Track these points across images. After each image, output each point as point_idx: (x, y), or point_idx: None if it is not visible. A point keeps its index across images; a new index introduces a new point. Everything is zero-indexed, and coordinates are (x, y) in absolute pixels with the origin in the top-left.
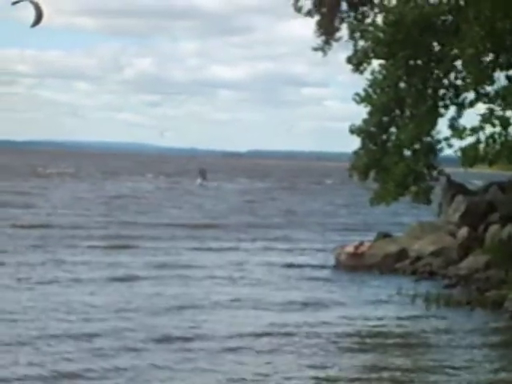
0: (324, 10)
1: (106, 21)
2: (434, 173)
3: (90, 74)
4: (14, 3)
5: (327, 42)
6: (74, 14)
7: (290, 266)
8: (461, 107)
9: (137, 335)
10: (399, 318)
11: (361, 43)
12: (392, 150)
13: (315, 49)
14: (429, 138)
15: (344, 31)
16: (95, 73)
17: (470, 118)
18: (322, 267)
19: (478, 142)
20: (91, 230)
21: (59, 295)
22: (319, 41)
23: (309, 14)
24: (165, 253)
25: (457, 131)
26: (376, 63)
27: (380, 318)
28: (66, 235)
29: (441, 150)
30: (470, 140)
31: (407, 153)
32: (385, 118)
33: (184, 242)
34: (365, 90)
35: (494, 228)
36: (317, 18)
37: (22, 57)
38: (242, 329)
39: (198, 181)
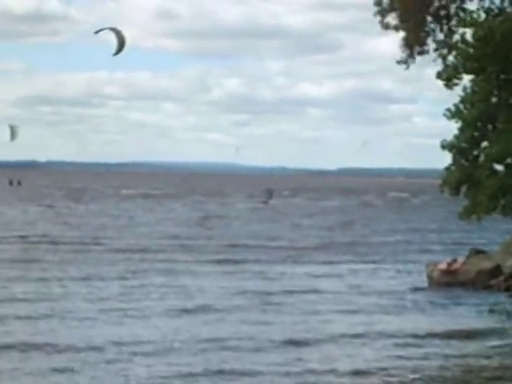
0: (410, 25)
1: (192, 42)
2: None
3: (177, 95)
4: (96, 32)
5: (411, 56)
6: (161, 36)
7: (388, 290)
8: None
9: (272, 370)
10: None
11: (450, 58)
12: (484, 164)
13: (398, 62)
14: None
15: (431, 46)
16: (182, 94)
17: None
18: (417, 289)
19: None
20: (190, 254)
21: (180, 326)
22: (404, 55)
23: (395, 29)
24: (271, 277)
25: None
26: (466, 78)
27: (493, 347)
28: (163, 259)
29: None
30: None
31: (499, 167)
32: (476, 133)
33: (288, 265)
34: (455, 106)
35: None
36: (403, 33)
37: (111, 79)
38: (365, 364)
39: (262, 199)
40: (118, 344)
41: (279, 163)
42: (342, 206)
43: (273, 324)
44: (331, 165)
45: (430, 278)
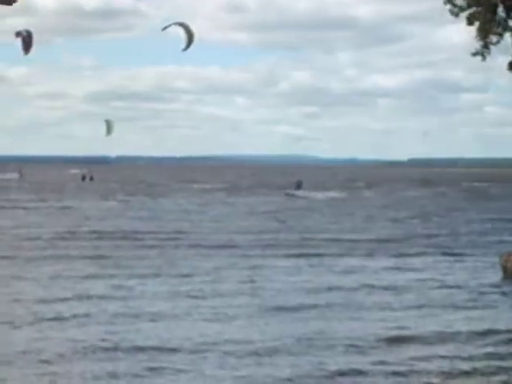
0: (481, 13)
1: (262, 35)
2: None
3: (248, 89)
4: (164, 28)
5: (486, 47)
6: (230, 29)
7: (464, 283)
8: None
9: (372, 369)
10: None
11: None
12: None
13: (474, 54)
14: None
15: (504, 35)
16: (252, 87)
17: None
18: (491, 282)
19: None
20: (264, 248)
21: (263, 324)
22: (478, 46)
23: (468, 20)
24: (347, 271)
25: None
26: None
27: None
28: (239, 254)
29: None
30: None
31: None
32: None
33: (363, 258)
34: None
35: None
36: (475, 22)
37: (181, 73)
38: (464, 364)
39: (288, 191)
40: (199, 344)
41: (350, 155)
42: (416, 197)
43: (359, 321)
44: (402, 155)
45: (504, 269)
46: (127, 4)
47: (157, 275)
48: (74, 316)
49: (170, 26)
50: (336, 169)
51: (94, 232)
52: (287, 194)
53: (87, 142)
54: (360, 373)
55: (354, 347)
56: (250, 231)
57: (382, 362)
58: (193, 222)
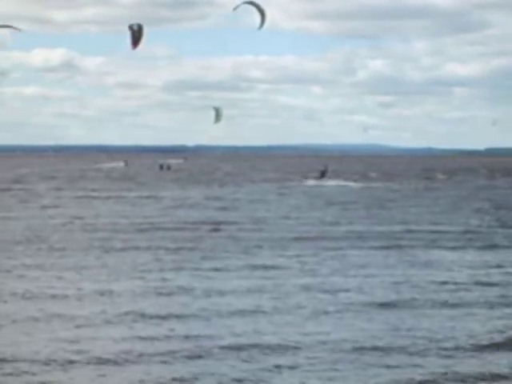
0: None
1: (337, 23)
2: None
3: (324, 78)
4: (235, 8)
5: None
6: (305, 18)
7: None
8: None
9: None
10: None
11: None
12: None
13: None
14: None
15: None
16: (328, 76)
17: None
18: None
19: None
20: (349, 241)
21: (366, 322)
22: None
23: None
24: (436, 266)
25: None
26: None
27: None
28: (329, 246)
29: None
30: None
31: None
32: None
33: (447, 251)
34: None
35: None
36: None
37: (257, 63)
38: None
39: (311, 181)
40: (295, 341)
41: (426, 144)
42: (496, 187)
43: (454, 320)
44: (479, 145)
45: None
46: None
47: (238, 267)
48: (156, 312)
49: (240, 5)
50: (411, 158)
51: (173, 222)
52: (304, 183)
53: (164, 131)
54: (465, 378)
55: (457, 348)
56: (328, 222)
57: (495, 365)
58: (271, 212)
